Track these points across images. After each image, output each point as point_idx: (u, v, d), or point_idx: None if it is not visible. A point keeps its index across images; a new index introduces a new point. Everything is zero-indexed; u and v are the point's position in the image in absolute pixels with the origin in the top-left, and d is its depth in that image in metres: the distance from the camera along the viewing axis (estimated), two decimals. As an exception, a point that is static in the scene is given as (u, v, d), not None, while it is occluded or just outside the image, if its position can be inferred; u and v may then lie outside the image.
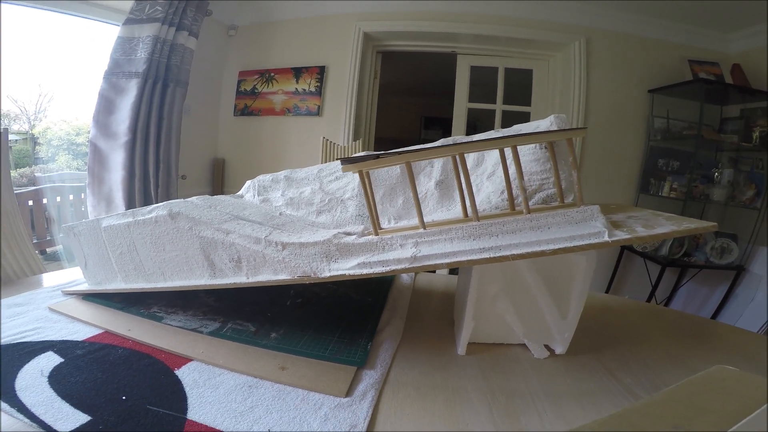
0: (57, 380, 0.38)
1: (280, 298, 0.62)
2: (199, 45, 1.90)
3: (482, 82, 2.26)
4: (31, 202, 1.99)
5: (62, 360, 0.42)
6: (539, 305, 0.47)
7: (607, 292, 2.20)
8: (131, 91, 1.64)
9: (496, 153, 0.52)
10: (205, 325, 0.52)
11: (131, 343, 0.47)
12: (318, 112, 2.19)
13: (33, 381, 0.38)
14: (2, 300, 0.56)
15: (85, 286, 0.60)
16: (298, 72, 2.21)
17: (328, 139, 1.92)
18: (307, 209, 0.56)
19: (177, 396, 0.37)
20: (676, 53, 2.00)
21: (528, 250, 0.36)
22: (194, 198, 0.54)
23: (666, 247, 1.92)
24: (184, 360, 0.44)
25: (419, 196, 0.53)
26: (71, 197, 2.09)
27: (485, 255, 0.37)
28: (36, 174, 2.25)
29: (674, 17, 1.93)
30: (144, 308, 0.56)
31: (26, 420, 0.32)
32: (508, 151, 0.42)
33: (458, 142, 0.52)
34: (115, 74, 1.65)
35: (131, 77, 1.64)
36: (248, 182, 0.64)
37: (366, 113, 2.29)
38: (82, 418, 0.33)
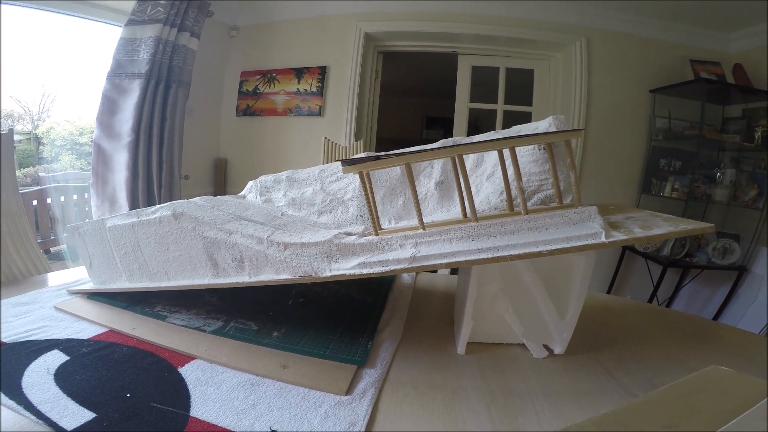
0: (63, 378, 0.39)
1: (282, 297, 0.62)
2: (201, 46, 1.91)
3: (483, 82, 2.26)
4: (35, 202, 2.00)
5: (68, 358, 0.42)
6: (538, 305, 0.48)
7: (608, 292, 2.20)
8: (134, 91, 1.65)
9: (495, 154, 0.52)
10: (208, 323, 0.53)
11: (135, 341, 0.47)
12: (319, 113, 2.20)
13: (39, 379, 0.38)
14: (9, 299, 0.57)
15: (90, 286, 0.61)
16: (299, 72, 2.22)
17: (329, 140, 1.92)
18: (308, 210, 0.57)
19: (180, 393, 0.38)
20: (677, 53, 2.00)
21: (525, 250, 0.37)
22: (197, 198, 0.54)
23: (668, 248, 1.91)
24: (188, 358, 0.44)
25: (419, 196, 0.54)
26: (75, 197, 2.10)
27: (483, 255, 0.37)
28: (40, 174, 2.26)
29: (675, 17, 1.93)
30: (148, 307, 0.56)
31: (33, 417, 0.33)
32: (506, 153, 0.42)
33: (458, 143, 0.52)
34: (118, 75, 1.67)
35: (134, 78, 1.66)
36: (250, 183, 0.64)
37: (367, 113, 2.29)
38: (87, 415, 0.34)
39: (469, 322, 0.48)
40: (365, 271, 0.40)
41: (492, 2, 2.01)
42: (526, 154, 0.48)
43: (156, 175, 1.76)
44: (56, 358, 0.42)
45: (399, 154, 0.40)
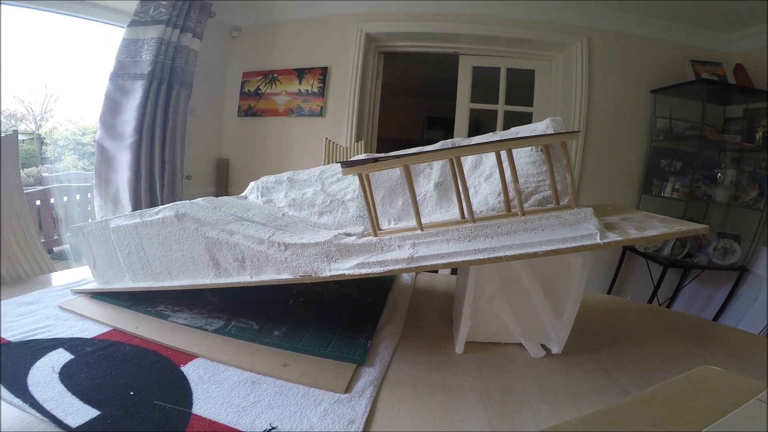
0: (67, 376, 0.39)
1: (282, 297, 0.63)
2: (203, 46, 1.92)
3: (484, 83, 2.26)
4: (38, 202, 2.01)
5: (72, 357, 0.43)
6: (535, 305, 0.48)
7: (609, 293, 2.20)
8: (137, 92, 1.66)
9: (493, 156, 0.53)
10: (210, 323, 0.53)
11: (138, 340, 0.48)
12: (321, 113, 2.20)
13: (45, 377, 0.39)
14: (14, 299, 0.58)
15: (93, 285, 0.62)
16: (301, 73, 2.23)
17: (330, 140, 1.93)
18: (309, 210, 0.58)
19: (183, 391, 0.38)
20: (677, 53, 1.99)
21: (521, 251, 0.37)
22: (200, 199, 0.55)
23: (668, 248, 1.91)
24: (190, 357, 0.45)
25: (419, 197, 0.54)
26: (78, 197, 2.12)
27: (480, 256, 0.38)
28: (43, 174, 2.28)
29: (675, 17, 1.93)
30: (151, 306, 0.57)
31: (38, 415, 0.34)
32: (504, 154, 0.43)
33: (457, 145, 0.53)
34: (120, 76, 1.67)
35: (137, 79, 1.67)
36: (252, 183, 0.65)
37: (368, 114, 2.30)
38: (92, 412, 0.34)
39: (467, 322, 0.48)
40: (364, 271, 0.41)
41: (492, 2, 2.01)
42: (523, 155, 0.49)
43: (158, 176, 1.77)
44: (61, 357, 0.43)
45: (398, 156, 0.41)
